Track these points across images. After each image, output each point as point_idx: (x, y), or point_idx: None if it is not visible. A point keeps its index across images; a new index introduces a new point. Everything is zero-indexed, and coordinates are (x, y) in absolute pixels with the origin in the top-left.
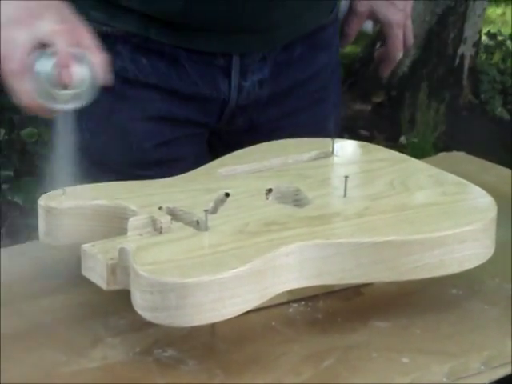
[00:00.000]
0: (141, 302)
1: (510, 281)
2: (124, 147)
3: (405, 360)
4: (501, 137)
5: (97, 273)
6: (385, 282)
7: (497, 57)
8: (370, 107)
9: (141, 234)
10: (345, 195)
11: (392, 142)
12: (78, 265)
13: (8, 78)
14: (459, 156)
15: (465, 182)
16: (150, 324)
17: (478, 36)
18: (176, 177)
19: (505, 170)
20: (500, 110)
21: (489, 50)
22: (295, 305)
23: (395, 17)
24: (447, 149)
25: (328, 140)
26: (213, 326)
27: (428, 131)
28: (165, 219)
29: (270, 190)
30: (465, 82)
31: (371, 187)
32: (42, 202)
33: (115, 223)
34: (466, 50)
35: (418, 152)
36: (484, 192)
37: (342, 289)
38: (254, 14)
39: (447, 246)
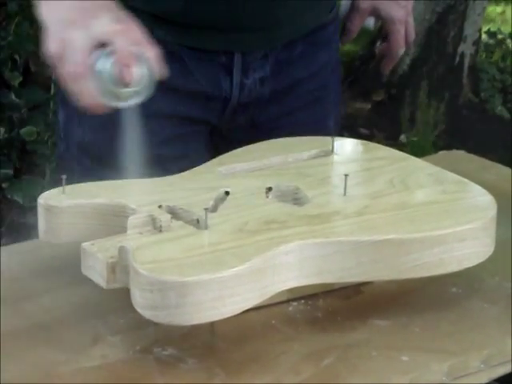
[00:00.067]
0: (140, 301)
1: (509, 279)
2: (125, 145)
3: (404, 358)
4: (501, 135)
5: (96, 271)
6: (384, 281)
7: (497, 55)
8: (369, 105)
9: (141, 233)
10: (345, 194)
11: (392, 141)
12: (78, 263)
13: (69, 80)
14: (459, 154)
15: (465, 180)
16: (149, 323)
17: (477, 34)
18: (176, 175)
19: (505, 169)
20: (500, 109)
21: (489, 49)
22: (295, 303)
23: (397, 13)
24: (447, 147)
25: (328, 138)
26: (212, 324)
27: (428, 130)
28: (165, 218)
29: (269, 189)
30: (465, 81)
31: (371, 186)
32: (42, 200)
33: (115, 222)
34: (466, 48)
35: (418, 150)
36: (484, 190)
37: (342, 287)
38: (256, 13)
39: (447, 244)
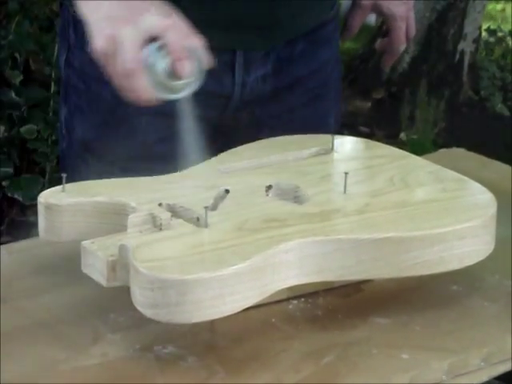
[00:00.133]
0: (141, 299)
1: (509, 277)
2: (128, 142)
3: (405, 356)
4: (501, 133)
5: (97, 269)
6: (385, 279)
7: (497, 53)
8: (369, 104)
9: (141, 231)
10: (345, 192)
11: (392, 139)
12: (78, 261)
13: (121, 76)
14: (459, 152)
15: (465, 178)
16: (149, 321)
17: (477, 32)
18: (176, 173)
19: (505, 167)
20: (500, 107)
21: (489, 47)
22: (295, 301)
23: (399, 9)
24: (447, 145)
25: (328, 136)
26: (213, 322)
27: (428, 128)
28: (165, 216)
29: (269, 187)
30: (465, 79)
31: (371, 184)
32: (42, 198)
33: (115, 220)
34: (466, 46)
35: (418, 148)
36: (484, 188)
37: (342, 285)
38: (257, 12)
39: (447, 242)
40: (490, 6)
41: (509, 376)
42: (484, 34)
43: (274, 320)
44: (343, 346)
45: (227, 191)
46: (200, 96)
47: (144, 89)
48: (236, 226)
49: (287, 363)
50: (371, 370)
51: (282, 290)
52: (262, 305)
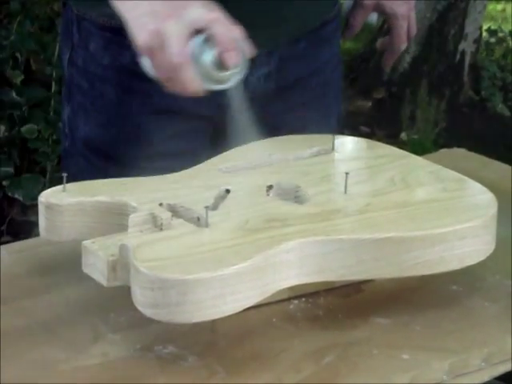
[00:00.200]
0: (141, 299)
1: (510, 277)
2: (132, 140)
3: (405, 356)
4: (501, 133)
5: (97, 269)
6: (385, 279)
7: (497, 53)
8: (370, 103)
9: (141, 231)
10: (345, 192)
11: (392, 139)
12: (79, 261)
13: (168, 70)
14: (460, 152)
15: (465, 178)
16: (150, 320)
17: (478, 32)
18: (176, 173)
19: (505, 167)
20: (500, 107)
21: (489, 47)
22: (296, 301)
23: (401, 9)
24: (448, 145)
25: (329, 136)
26: (213, 322)
27: (428, 128)
28: (165, 216)
29: (270, 187)
30: (465, 79)
31: (372, 184)
32: (43, 198)
33: (116, 220)
34: (467, 46)
35: (419, 148)
36: (484, 188)
37: (343, 285)
38: (259, 11)
39: (448, 242)
40: (491, 7)
41: (509, 376)
42: (485, 34)
43: (274, 320)
44: (344, 346)
45: (228, 191)
46: (202, 95)
47: (192, 81)
48: (237, 226)
49: (288, 363)
50: (372, 370)
51: (283, 290)
52: (263, 305)
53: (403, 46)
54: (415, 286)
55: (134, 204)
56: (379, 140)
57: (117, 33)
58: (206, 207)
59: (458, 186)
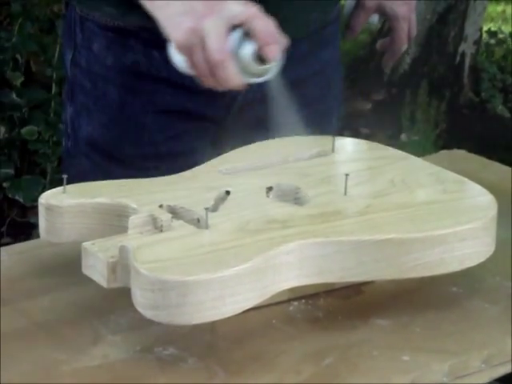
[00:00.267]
0: (141, 300)
1: (510, 279)
2: (135, 140)
3: (405, 358)
4: (501, 135)
5: (97, 271)
6: (385, 280)
7: (497, 55)
8: (370, 105)
9: (141, 232)
10: (345, 193)
11: (392, 140)
12: (79, 263)
13: (208, 67)
14: (460, 154)
15: (465, 179)
16: (150, 322)
17: (478, 34)
18: (176, 174)
19: (505, 168)
20: (500, 108)
21: (489, 48)
22: (296, 303)
23: (401, 10)
24: (448, 147)
25: (328, 138)
26: (213, 324)
27: (428, 129)
28: (165, 217)
29: (270, 188)
30: (465, 80)
31: (372, 185)
32: (43, 200)
33: (116, 221)
34: (467, 47)
35: (419, 150)
36: (484, 190)
37: (343, 287)
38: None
39: (448, 244)
40: (491, 8)
41: (509, 378)
42: (484, 35)
43: (274, 321)
44: (344, 348)
45: (228, 192)
46: (205, 95)
47: (233, 76)
48: (237, 228)
49: (288, 365)
50: (372, 372)
51: (283, 292)
52: (263, 306)
53: (404, 48)
54: (415, 288)
55: (134, 206)
56: (379, 141)
57: (120, 33)
58: (206, 209)
59: (458, 187)
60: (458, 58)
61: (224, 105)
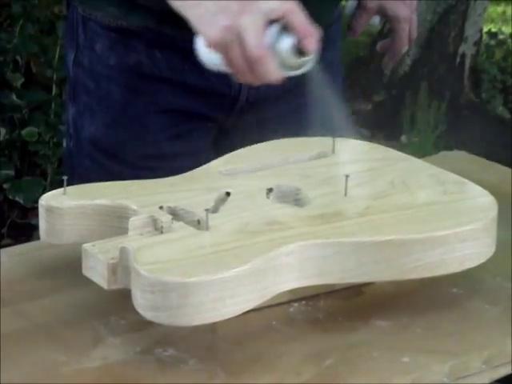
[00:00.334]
0: (142, 302)
1: (510, 280)
2: (138, 140)
3: (405, 359)
4: (501, 136)
5: (98, 272)
6: (386, 282)
7: (498, 55)
8: (370, 106)
9: (142, 234)
10: (345, 194)
11: (393, 141)
12: (79, 264)
13: (247, 63)
14: (460, 155)
15: (465, 181)
16: (150, 323)
17: (478, 35)
18: (177, 176)
19: (505, 169)
20: (501, 109)
21: (490, 49)
22: (296, 304)
23: (403, 11)
24: (448, 148)
25: (329, 139)
26: (213, 325)
27: (429, 130)
28: (166, 218)
29: (270, 190)
30: (466, 81)
31: (372, 186)
32: (43, 201)
33: (116, 223)
34: (467, 48)
35: (419, 151)
36: (485, 191)
37: (343, 288)
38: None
39: (448, 245)
40: (491, 9)
41: (510, 379)
42: (485, 36)
43: (274, 323)
44: (344, 349)
45: (228, 194)
46: (208, 95)
47: (273, 71)
48: (237, 229)
49: (288, 366)
50: (372, 373)
51: (283, 293)
52: (263, 307)
53: (404, 49)
54: (415, 289)
55: (134, 207)
56: (379, 142)
57: (123, 33)
58: (207, 210)
59: (458, 188)
60: (458, 59)
61: (226, 105)
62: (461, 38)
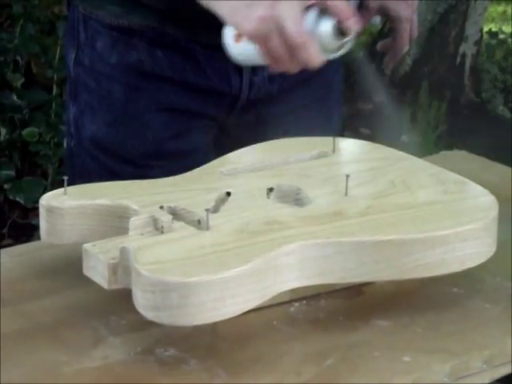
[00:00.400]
0: (142, 302)
1: (510, 279)
2: (139, 138)
3: (406, 359)
4: (502, 135)
5: (98, 272)
6: (386, 281)
7: (498, 55)
8: (371, 106)
9: (142, 234)
10: (346, 194)
11: (393, 141)
12: (80, 264)
13: (289, 52)
14: (460, 154)
15: (466, 180)
16: (151, 323)
17: (479, 34)
18: (177, 176)
19: (506, 169)
20: (501, 109)
21: (490, 49)
22: (297, 304)
23: (404, 11)
24: (448, 147)
25: (329, 139)
26: (214, 325)
27: (429, 130)
28: (166, 218)
29: (271, 189)
30: (466, 81)
31: (372, 186)
32: (44, 201)
33: (116, 223)
34: (468, 48)
35: (419, 150)
36: (485, 190)
37: (344, 288)
38: None
39: (448, 244)
40: (491, 8)
41: (511, 378)
42: (485, 36)
43: (275, 322)
44: (345, 349)
45: (228, 194)
46: (208, 94)
47: (315, 56)
48: (237, 229)
49: (289, 366)
50: (373, 373)
51: (284, 293)
52: (264, 307)
53: (405, 49)
54: (416, 289)
55: (134, 207)
56: (380, 142)
57: (124, 32)
58: (207, 210)
59: (458, 188)
60: (458, 59)
61: (227, 104)
62: (461, 37)
